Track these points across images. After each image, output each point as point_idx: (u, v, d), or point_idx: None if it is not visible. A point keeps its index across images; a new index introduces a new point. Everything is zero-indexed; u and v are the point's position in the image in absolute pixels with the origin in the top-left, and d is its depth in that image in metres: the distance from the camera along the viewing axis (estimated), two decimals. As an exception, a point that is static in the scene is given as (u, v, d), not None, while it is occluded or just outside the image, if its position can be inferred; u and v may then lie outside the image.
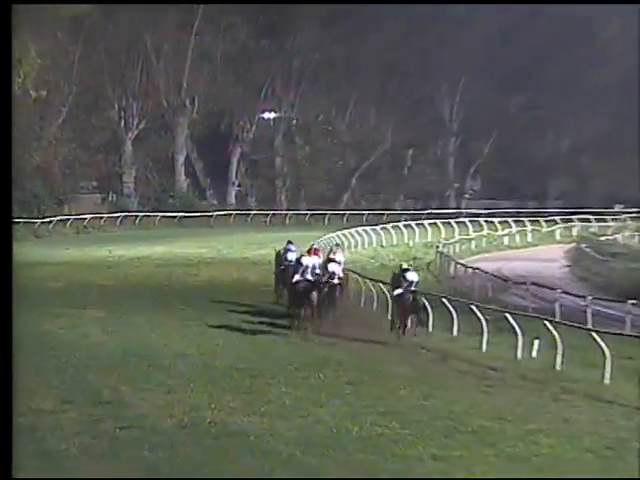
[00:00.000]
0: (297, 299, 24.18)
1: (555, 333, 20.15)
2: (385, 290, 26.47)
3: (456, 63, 73.44)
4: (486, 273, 33.45)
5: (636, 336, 20.02)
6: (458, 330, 23.64)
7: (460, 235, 51.65)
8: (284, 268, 26.90)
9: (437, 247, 43.44)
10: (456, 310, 24.04)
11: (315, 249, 26.86)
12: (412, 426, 14.24)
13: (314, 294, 23.85)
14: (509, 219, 59.12)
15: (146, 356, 19.37)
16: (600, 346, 18.85)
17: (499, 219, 59.38)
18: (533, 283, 30.44)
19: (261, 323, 24.47)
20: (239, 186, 72.54)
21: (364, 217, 66.13)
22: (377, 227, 51.73)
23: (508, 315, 22.16)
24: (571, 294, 28.54)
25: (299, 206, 71.74)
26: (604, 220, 63.07)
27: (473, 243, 49.64)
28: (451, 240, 48.21)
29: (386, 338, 23.07)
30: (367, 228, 51.00)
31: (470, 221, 58.03)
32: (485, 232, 53.93)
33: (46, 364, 18.13)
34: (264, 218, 67.12)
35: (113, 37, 63.58)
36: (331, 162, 75.72)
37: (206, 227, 61.52)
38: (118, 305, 26.89)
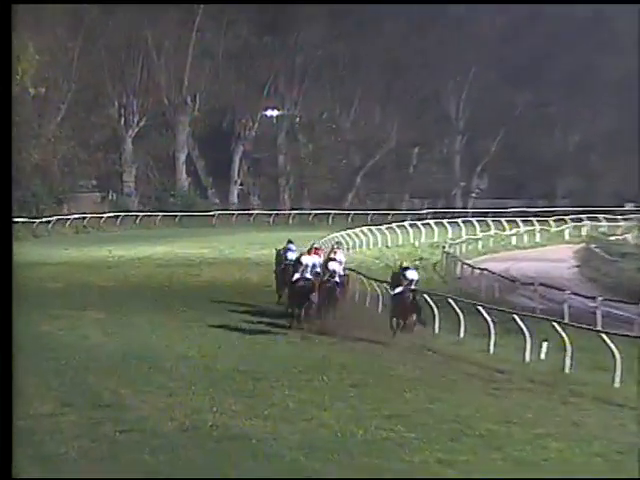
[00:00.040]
0: (296, 298, 24.30)
1: (564, 335, 20.13)
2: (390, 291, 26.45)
3: (462, 60, 73.43)
4: (493, 274, 33.44)
5: (646, 338, 20.00)
6: (465, 332, 23.63)
7: (467, 235, 51.63)
8: (284, 267, 26.98)
9: (443, 247, 43.45)
10: (463, 311, 24.03)
11: (315, 248, 26.97)
12: (418, 430, 14.23)
13: (314, 293, 23.93)
14: (517, 218, 59.08)
15: (147, 358, 19.39)
16: (610, 348, 18.83)
17: (506, 218, 59.33)
18: (541, 284, 30.41)
19: (264, 324, 24.49)
20: (241, 185, 72.55)
21: (369, 217, 66.12)
22: (382, 227, 51.71)
23: (516, 316, 22.15)
24: (580, 295, 28.52)
25: (302, 205, 71.74)
26: (614, 219, 62.99)
27: (480, 243, 49.62)
28: (458, 240, 48.21)
29: (391, 339, 23.06)
30: (372, 228, 50.99)
31: (477, 221, 57.98)
32: (492, 232, 53.90)
33: (45, 366, 18.15)
34: (267, 218, 67.13)
35: (113, 33, 63.64)
36: (335, 160, 75.72)
37: (208, 227, 61.55)
38: (118, 306, 26.91)
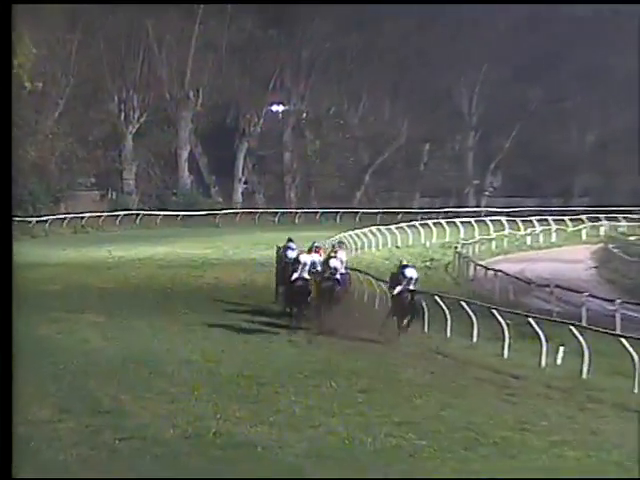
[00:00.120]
0: (294, 298, 24.39)
1: (581, 339, 20.10)
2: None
3: (475, 53, 73.33)
4: (508, 275, 33.40)
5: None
6: (478, 335, 23.62)
7: (480, 235, 51.58)
8: (284, 266, 27.14)
9: (455, 248, 43.39)
10: (476, 314, 24.01)
11: (316, 247, 27.15)
12: (429, 437, 14.22)
13: (311, 294, 24.08)
14: (532, 218, 59.00)
15: (148, 363, 19.41)
16: (629, 353, 18.79)
17: (521, 218, 59.22)
18: (557, 286, 30.35)
19: (269, 328, 24.52)
20: (246, 183, 72.59)
21: (378, 216, 66.05)
22: (392, 226, 51.68)
23: (531, 320, 22.12)
24: (598, 297, 28.45)
25: (309, 204, 71.73)
26: (633, 219, 62.86)
27: (494, 243, 49.56)
28: (470, 240, 48.14)
29: (401, 343, 23.06)
30: (381, 227, 50.96)
31: (490, 220, 57.89)
32: (506, 232, 53.83)
33: (43, 371, 18.18)
34: (272, 217, 67.14)
35: (113, 26, 63.70)
36: (343, 158, 75.71)
37: (211, 226, 61.59)
38: (118, 309, 26.95)
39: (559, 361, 20.89)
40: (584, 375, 19.62)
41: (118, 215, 61.25)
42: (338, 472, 12.63)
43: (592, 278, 39.32)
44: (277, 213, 67.68)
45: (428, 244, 50.05)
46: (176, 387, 17.25)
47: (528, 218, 59.17)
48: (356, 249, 44.53)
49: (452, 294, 28.35)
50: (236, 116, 71.15)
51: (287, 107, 73.26)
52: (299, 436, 14.13)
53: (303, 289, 24.29)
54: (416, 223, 54.13)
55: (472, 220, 57.67)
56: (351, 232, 47.13)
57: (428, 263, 41.58)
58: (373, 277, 29.32)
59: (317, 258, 25.91)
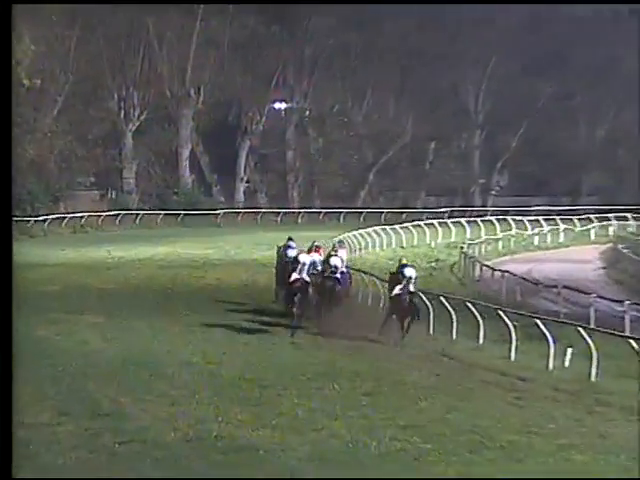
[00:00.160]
0: (294, 299, 24.57)
1: (589, 341, 20.10)
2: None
3: (482, 49, 73.35)
4: (514, 276, 33.40)
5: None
6: (484, 337, 23.62)
7: (486, 235, 51.58)
8: (284, 265, 27.25)
9: (461, 248, 43.39)
10: (482, 315, 24.01)
11: (316, 246, 27.28)
12: (434, 441, 14.23)
13: (310, 294, 24.18)
14: (539, 217, 59.00)
15: (148, 364, 19.43)
16: (639, 355, 18.78)
17: (528, 217, 59.24)
18: (565, 287, 30.36)
19: (271, 329, 24.56)
20: (248, 182, 72.64)
21: (382, 215, 66.11)
22: (396, 226, 51.71)
23: (538, 321, 22.12)
24: (607, 298, 28.45)
25: (312, 203, 71.77)
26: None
27: (500, 243, 49.56)
28: (476, 240, 48.14)
29: (406, 345, 23.07)
30: (386, 227, 51.00)
31: (497, 219, 57.93)
32: (513, 231, 53.83)
33: (41, 373, 18.20)
34: (274, 216, 67.20)
35: (113, 22, 63.74)
36: (347, 156, 75.74)
37: (212, 226, 61.66)
38: (118, 310, 26.98)
39: (567, 363, 20.89)
40: (592, 378, 19.61)
41: (118, 215, 61.33)
42: (341, 476, 12.64)
43: (600, 279, 39.31)
44: (280, 213, 67.72)
45: (433, 244, 50.07)
46: (177, 389, 17.26)
47: (535, 217, 59.19)
48: (360, 249, 44.56)
49: (458, 295, 28.36)
50: (238, 114, 71.19)
51: (290, 105, 73.29)
52: (302, 439, 14.14)
53: (302, 290, 24.37)
54: (421, 223, 54.17)
55: (478, 220, 57.70)
56: (355, 232, 47.16)
57: (433, 263, 41.62)
58: (377, 277, 29.33)
59: (317, 258, 26.02)
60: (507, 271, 34.33)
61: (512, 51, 73.33)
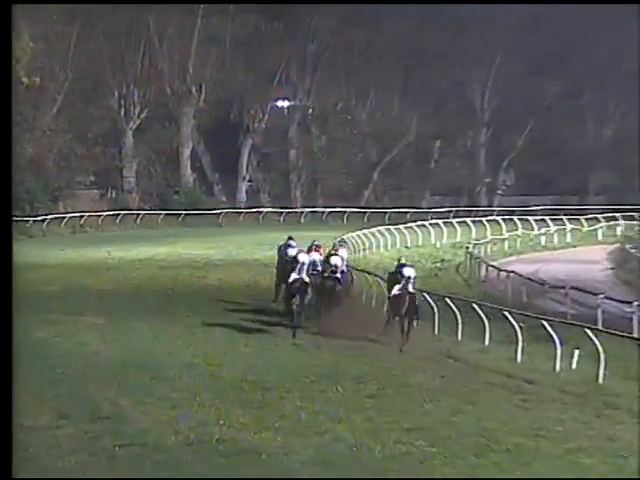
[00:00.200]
0: (293, 299, 24.72)
1: (597, 342, 20.08)
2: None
3: (488, 46, 73.30)
4: (521, 276, 33.38)
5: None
6: (490, 339, 23.61)
7: (492, 235, 51.57)
8: (284, 264, 27.32)
9: (467, 248, 43.38)
10: (488, 317, 24.00)
11: (316, 245, 27.35)
12: (440, 444, 14.22)
13: (309, 293, 24.43)
14: (546, 217, 58.97)
15: (148, 366, 19.42)
16: (647, 356, 18.78)
17: (535, 217, 59.23)
18: (573, 287, 30.35)
19: (273, 330, 24.57)
20: (250, 181, 72.64)
21: (386, 215, 66.11)
22: (401, 226, 51.71)
23: (545, 322, 22.10)
24: (615, 299, 28.43)
25: (315, 203, 71.77)
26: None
27: (506, 244, 49.55)
28: (482, 240, 48.14)
29: (410, 347, 23.06)
30: (390, 227, 50.99)
31: (503, 219, 57.92)
32: (519, 231, 53.81)
33: (40, 375, 18.19)
34: (277, 216, 67.21)
35: (113, 19, 63.75)
36: (350, 155, 75.72)
37: (214, 226, 61.67)
38: (118, 311, 26.99)
39: (574, 365, 20.87)
40: (600, 380, 19.59)
41: (118, 214, 61.34)
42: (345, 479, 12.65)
43: (608, 279, 39.29)
44: (282, 212, 67.71)
45: (438, 244, 50.07)
46: (178, 392, 17.26)
47: (542, 217, 59.17)
48: (364, 249, 44.55)
49: (463, 296, 28.36)
50: (240, 112, 71.20)
51: (293, 102, 73.28)
52: (305, 442, 14.13)
53: (301, 290, 24.48)
54: (426, 223, 54.17)
55: (484, 219, 57.69)
56: (359, 232, 47.16)
57: (439, 264, 41.61)
58: (381, 278, 29.32)
59: (317, 257, 26.11)
60: (513, 271, 34.32)
61: (518, 49, 73.23)
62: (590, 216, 60.91)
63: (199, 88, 68.25)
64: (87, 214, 59.22)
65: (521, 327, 22.56)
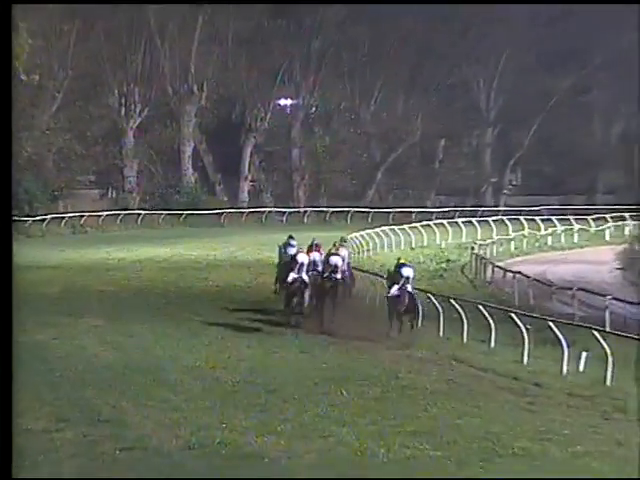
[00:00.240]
0: (290, 298, 24.58)
1: (605, 344, 20.05)
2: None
3: (494, 44, 73.22)
4: (527, 277, 33.36)
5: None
6: (496, 341, 23.59)
7: (498, 235, 51.55)
8: (284, 264, 27.38)
9: (472, 249, 43.36)
10: (493, 318, 23.98)
11: (316, 244, 27.37)
12: (445, 448, 14.21)
13: (307, 293, 24.34)
14: (553, 217, 58.93)
15: (149, 370, 19.43)
16: (656, 359, 18.77)
17: (542, 217, 59.19)
18: (580, 289, 30.33)
19: (277, 333, 24.58)
20: (252, 181, 72.63)
21: (391, 215, 66.07)
22: (405, 226, 51.70)
23: (552, 324, 22.08)
24: (623, 301, 28.40)
25: (319, 203, 71.73)
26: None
27: (513, 244, 49.53)
28: (488, 241, 48.11)
29: (416, 350, 23.05)
30: (394, 227, 50.99)
31: (509, 219, 57.89)
32: (526, 232, 53.78)
33: (39, 378, 18.19)
34: (280, 216, 67.20)
35: (113, 16, 63.74)
36: (354, 154, 75.69)
37: (216, 226, 61.68)
38: (118, 313, 27.00)
39: (582, 368, 20.85)
40: (608, 382, 19.57)
41: (119, 214, 61.35)
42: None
43: (616, 281, 39.25)
44: (285, 212, 67.70)
45: (444, 245, 50.05)
46: (179, 395, 17.26)
47: (549, 217, 59.12)
48: (368, 250, 44.53)
49: (469, 297, 28.34)
50: (242, 111, 71.17)
51: (296, 101, 73.24)
52: (308, 446, 14.13)
53: (300, 290, 24.56)
54: (431, 223, 54.13)
55: (490, 220, 57.64)
56: (362, 232, 47.13)
57: (444, 265, 41.59)
58: (385, 279, 29.30)
59: (317, 257, 26.14)
60: (520, 272, 34.29)
61: (524, 46, 73.15)
62: (598, 216, 60.84)
63: (201, 86, 68.23)
64: (87, 214, 59.23)
65: (528, 329, 22.54)
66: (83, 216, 58.87)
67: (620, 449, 14.82)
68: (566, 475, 13.34)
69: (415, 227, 51.98)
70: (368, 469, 13.20)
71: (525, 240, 51.28)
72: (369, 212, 67.59)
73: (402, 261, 25.71)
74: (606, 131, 79.03)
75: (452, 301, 25.61)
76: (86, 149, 65.30)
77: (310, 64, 72.30)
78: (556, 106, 75.84)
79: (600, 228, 57.67)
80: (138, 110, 67.03)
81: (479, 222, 56.39)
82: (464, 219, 57.38)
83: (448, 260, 43.13)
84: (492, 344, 23.58)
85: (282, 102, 73.24)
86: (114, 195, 67.97)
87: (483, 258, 40.24)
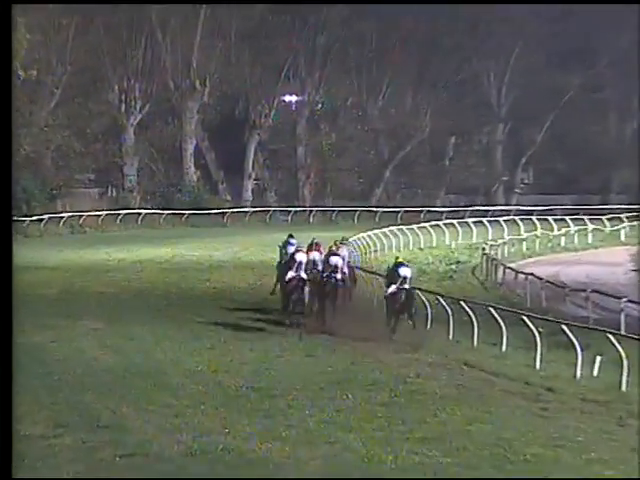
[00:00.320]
0: (290, 298, 25.00)
1: (620, 348, 20.04)
2: (424, 298, 26.54)
3: (505, 38, 73.22)
4: (540, 279, 33.33)
5: None
6: (507, 344, 23.58)
7: (509, 235, 51.53)
8: (284, 263, 27.46)
9: (483, 249, 43.33)
10: (505, 321, 23.97)
11: (316, 243, 27.51)
12: (455, 455, 14.21)
13: (306, 291, 24.69)
14: (566, 217, 58.90)
15: (150, 373, 19.45)
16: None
17: (554, 217, 59.16)
18: (594, 290, 30.30)
19: (281, 335, 24.57)
20: (256, 179, 72.68)
21: (399, 215, 66.08)
22: (414, 226, 51.69)
23: (565, 327, 22.06)
24: (639, 303, 28.36)
25: (324, 202, 71.79)
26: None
27: (524, 245, 49.51)
28: (499, 241, 48.09)
29: (425, 353, 23.05)
30: (402, 227, 50.98)
31: (521, 219, 57.89)
32: (538, 232, 53.76)
33: (36, 382, 18.22)
34: (285, 216, 67.21)
35: (113, 9, 63.80)
36: (361, 152, 75.73)
37: (218, 226, 61.73)
38: (118, 315, 27.03)
39: (596, 372, 20.83)
40: (623, 387, 19.55)
41: (119, 214, 61.40)
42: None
43: (632, 282, 39.18)
44: (290, 212, 67.73)
45: (453, 245, 50.04)
46: (181, 400, 17.28)
47: (562, 217, 59.08)
48: (375, 251, 44.53)
49: (479, 299, 28.33)
50: (246, 107, 71.22)
51: (301, 97, 73.28)
52: (314, 453, 14.14)
53: (298, 288, 24.67)
54: (440, 223, 54.13)
55: (501, 219, 57.62)
56: (370, 232, 47.13)
57: (453, 266, 41.58)
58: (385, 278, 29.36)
59: (317, 256, 26.20)
60: (532, 274, 34.27)
61: (537, 40, 73.12)
62: (613, 216, 60.79)
63: (203, 82, 68.26)
64: (86, 214, 59.29)
65: (540, 332, 22.53)
66: (82, 216, 58.93)
67: (635, 456, 14.79)
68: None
69: (424, 227, 51.97)
70: (375, 476, 13.19)
71: (537, 241, 51.25)
72: (376, 212, 67.60)
73: (400, 260, 26.09)
74: (621, 128, 79.00)
75: (462, 303, 25.60)
76: (85, 146, 65.37)
77: (316, 59, 72.33)
78: (570, 102, 75.79)
79: (615, 228, 57.61)
80: (139, 106, 67.09)
81: (490, 222, 56.37)
82: (474, 219, 57.36)
83: (458, 261, 43.12)
84: (503, 348, 23.57)
85: (287, 98, 73.29)
86: (114, 194, 68.04)
87: (494, 259, 40.21)
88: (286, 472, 13.23)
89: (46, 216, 56.44)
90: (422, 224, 52.97)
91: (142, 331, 24.63)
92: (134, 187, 67.35)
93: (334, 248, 27.24)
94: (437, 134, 74.99)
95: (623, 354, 19.87)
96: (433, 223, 53.56)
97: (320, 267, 26.09)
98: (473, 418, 16.66)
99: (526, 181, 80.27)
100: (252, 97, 70.80)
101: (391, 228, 50.17)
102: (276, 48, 69.81)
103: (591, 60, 74.73)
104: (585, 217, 59.01)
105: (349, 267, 27.91)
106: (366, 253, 42.11)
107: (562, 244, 52.34)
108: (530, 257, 46.98)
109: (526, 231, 53.71)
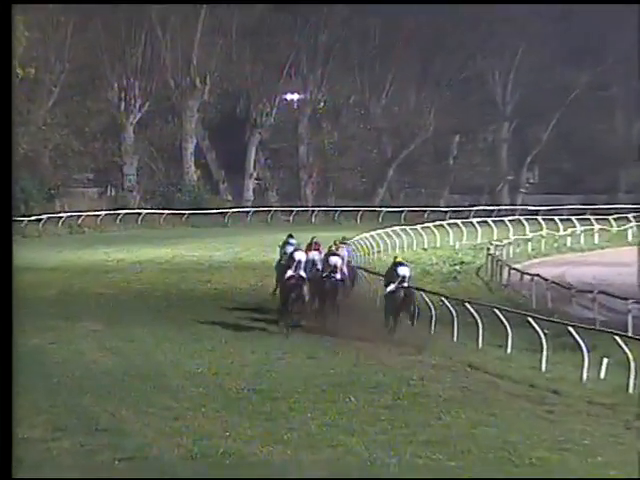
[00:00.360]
0: (287, 296, 24.99)
1: (627, 350, 20.04)
2: (427, 300, 26.55)
3: (511, 36, 73.20)
4: (546, 280, 33.33)
5: None
6: (513, 346, 23.58)
7: (515, 236, 51.53)
8: (283, 262, 27.52)
9: (488, 250, 43.33)
10: (510, 323, 23.97)
11: (315, 243, 27.56)
12: (459, 458, 14.22)
13: (305, 290, 24.74)
14: (572, 217, 58.89)
15: (150, 376, 19.46)
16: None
17: (560, 217, 59.15)
18: (601, 292, 30.29)
19: (282, 337, 24.57)
20: (257, 179, 72.71)
21: (402, 215, 66.10)
22: (417, 226, 51.70)
23: (572, 329, 22.06)
24: (646, 304, 28.35)
25: (327, 202, 71.81)
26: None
27: (530, 245, 49.50)
28: (504, 242, 48.09)
29: (429, 355, 23.06)
30: (406, 228, 50.98)
31: (526, 219, 57.89)
32: (544, 232, 53.75)
33: (35, 385, 18.22)
34: (286, 216, 67.24)
35: (112, 7, 63.82)
36: (364, 151, 75.74)
37: (219, 226, 61.74)
38: (118, 316, 27.05)
39: (602, 374, 20.83)
40: (630, 390, 19.55)
41: (118, 214, 61.43)
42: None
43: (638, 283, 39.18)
44: (292, 212, 67.75)
45: (458, 246, 50.04)
46: (181, 403, 17.29)
47: (568, 217, 59.08)
48: (378, 252, 44.52)
49: (484, 300, 28.34)
50: (247, 106, 71.25)
51: (303, 96, 73.29)
52: (316, 456, 14.15)
53: (297, 287, 24.73)
54: (444, 223, 54.13)
55: (506, 219, 57.63)
56: (373, 232, 47.13)
57: (457, 267, 41.57)
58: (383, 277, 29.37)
59: (317, 256, 26.27)
60: (537, 275, 34.26)
61: (543, 37, 73.12)
62: (619, 215, 60.76)
63: (204, 80, 68.29)
64: (85, 213, 59.34)
65: (546, 334, 22.53)
66: (81, 216, 58.97)
67: (642, 459, 14.83)
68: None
69: (428, 227, 51.97)
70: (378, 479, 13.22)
71: (543, 241, 51.25)
72: (380, 211, 67.60)
73: (399, 260, 26.27)
74: (628, 127, 78.98)
75: (467, 305, 25.61)
76: (84, 145, 65.40)
77: (318, 56, 72.34)
78: (576, 100, 75.79)
79: (622, 228, 57.59)
80: (138, 105, 67.13)
81: (495, 222, 56.36)
82: (479, 219, 57.34)
83: (462, 262, 43.11)
84: (509, 350, 23.58)
85: (288, 96, 73.30)
86: (113, 194, 68.06)
87: (499, 260, 40.21)
88: (288, 476, 13.24)
89: (44, 216, 56.47)
90: (426, 224, 52.98)
91: (142, 333, 24.65)
92: (134, 187, 67.39)
93: (334, 248, 27.33)
94: (441, 133, 74.99)
95: (630, 356, 19.88)
96: (437, 223, 53.55)
97: (319, 267, 26.14)
98: (477, 421, 16.67)
99: (532, 180, 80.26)
100: (253, 95, 70.83)
101: (394, 228, 50.17)
102: (277, 45, 69.84)
103: (598, 58, 74.69)
104: (591, 217, 58.99)
105: (349, 267, 28.00)
106: (369, 254, 42.10)
107: (568, 244, 52.33)
108: (535, 258, 46.98)
109: (531, 231, 53.69)
